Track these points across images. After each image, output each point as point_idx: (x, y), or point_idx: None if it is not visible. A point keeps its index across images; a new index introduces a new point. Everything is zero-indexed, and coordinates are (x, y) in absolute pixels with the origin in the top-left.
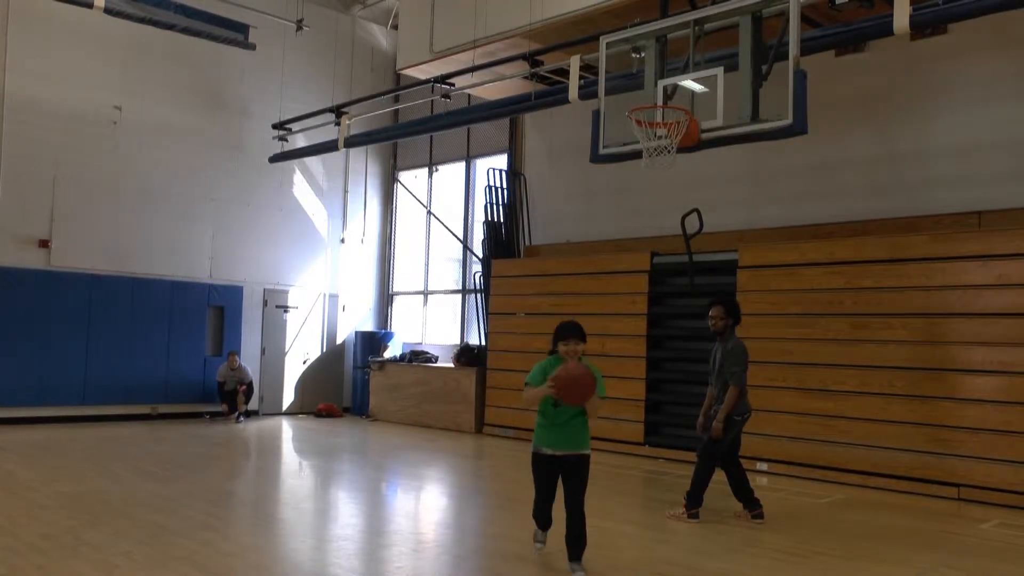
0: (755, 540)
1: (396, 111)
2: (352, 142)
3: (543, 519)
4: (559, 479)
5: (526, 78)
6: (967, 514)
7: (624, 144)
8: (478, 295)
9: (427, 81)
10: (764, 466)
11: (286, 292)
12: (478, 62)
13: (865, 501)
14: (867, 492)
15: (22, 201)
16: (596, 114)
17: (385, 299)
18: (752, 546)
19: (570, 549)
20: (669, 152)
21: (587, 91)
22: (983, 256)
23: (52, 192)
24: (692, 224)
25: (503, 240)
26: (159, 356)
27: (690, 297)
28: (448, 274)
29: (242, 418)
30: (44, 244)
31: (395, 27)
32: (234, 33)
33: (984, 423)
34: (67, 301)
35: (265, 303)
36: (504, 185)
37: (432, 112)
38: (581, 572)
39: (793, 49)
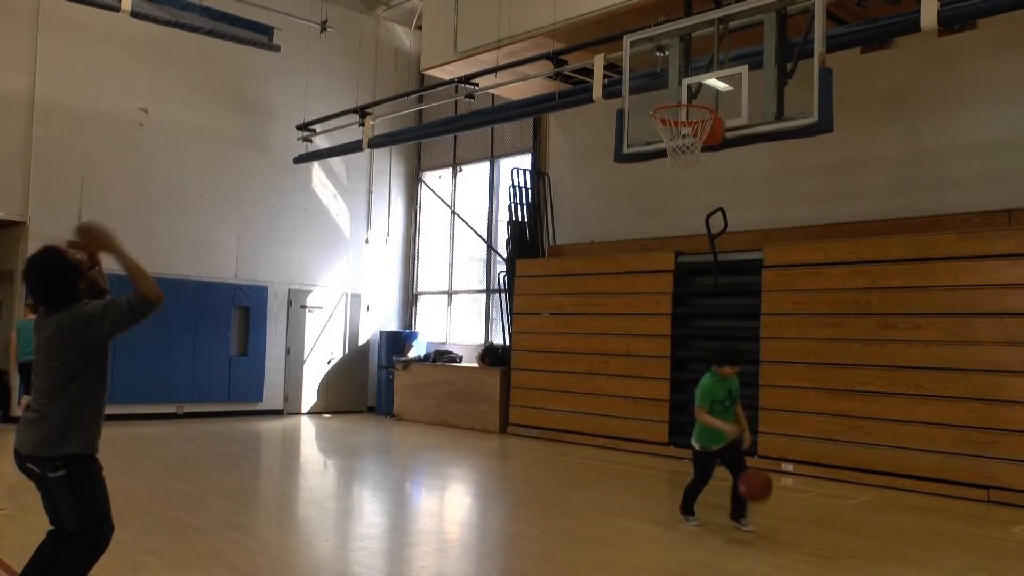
0: (780, 542)
1: (420, 111)
2: (376, 143)
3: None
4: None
5: (550, 78)
6: (997, 516)
7: (648, 143)
8: (502, 295)
9: (451, 81)
10: (789, 467)
11: (310, 292)
12: (502, 62)
13: (892, 503)
14: (894, 494)
15: (51, 202)
16: (620, 113)
17: (409, 299)
18: (777, 547)
19: None
20: (693, 151)
21: (611, 90)
22: (1013, 255)
23: (80, 193)
24: (717, 223)
25: (527, 240)
26: (185, 356)
27: (715, 297)
28: (472, 274)
29: None
30: (72, 245)
31: (419, 28)
32: (259, 35)
33: (1014, 424)
34: None
35: (290, 303)
36: (528, 185)
37: (456, 112)
38: None
39: (818, 46)
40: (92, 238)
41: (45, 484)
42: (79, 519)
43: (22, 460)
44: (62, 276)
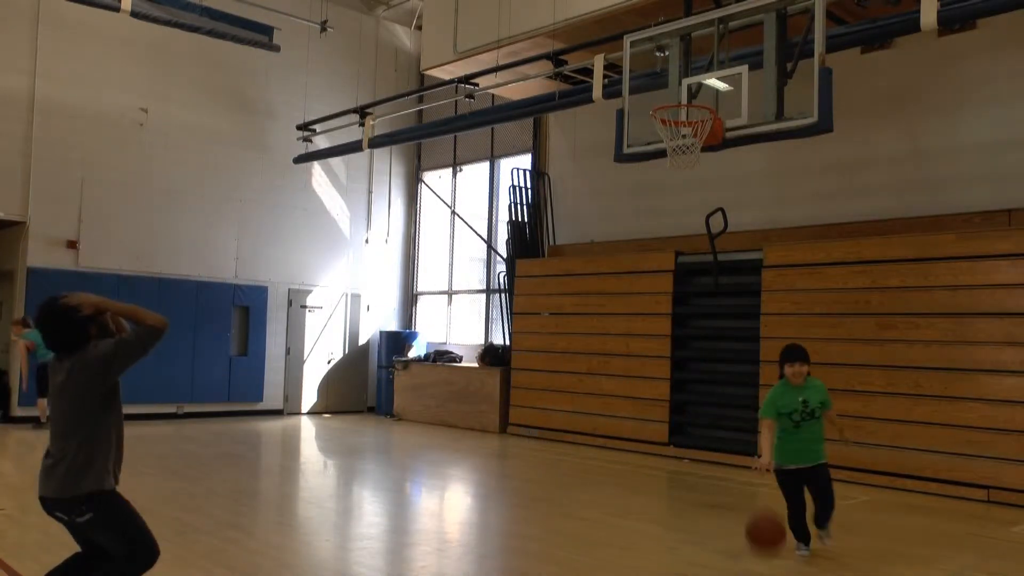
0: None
1: (420, 111)
2: (376, 143)
3: None
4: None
5: (550, 78)
6: (996, 516)
7: (648, 143)
8: (502, 295)
9: (451, 81)
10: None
11: (310, 292)
12: (502, 62)
13: (892, 503)
14: (894, 494)
15: (51, 203)
16: (620, 113)
17: (409, 299)
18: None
19: None
20: (693, 151)
21: (611, 90)
22: (1013, 255)
23: (80, 193)
24: (717, 223)
25: (527, 240)
26: (185, 356)
27: (715, 297)
28: (472, 274)
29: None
30: (72, 245)
31: (419, 28)
32: (259, 35)
33: (1014, 424)
34: None
35: (290, 303)
36: (528, 185)
37: (456, 112)
38: None
39: (818, 46)
40: (83, 306)
41: (74, 527)
42: (118, 548)
43: (49, 507)
44: (68, 324)
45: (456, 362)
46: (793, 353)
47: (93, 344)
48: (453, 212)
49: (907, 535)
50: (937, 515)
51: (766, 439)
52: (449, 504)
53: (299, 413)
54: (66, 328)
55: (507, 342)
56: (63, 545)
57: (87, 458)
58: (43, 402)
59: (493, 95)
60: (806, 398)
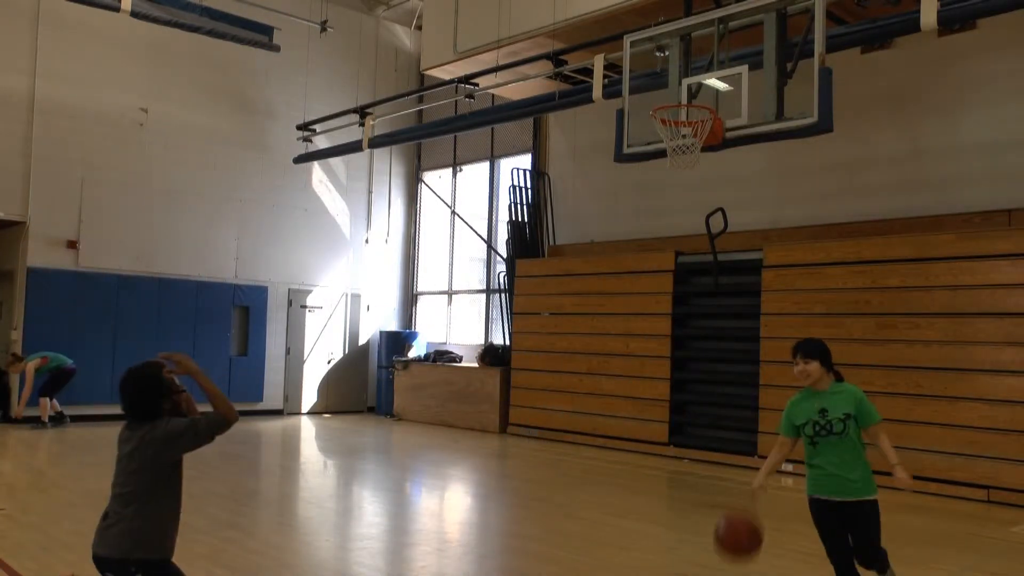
0: (779, 542)
1: (420, 111)
2: (376, 143)
3: None
4: None
5: (550, 78)
6: (996, 516)
7: (648, 143)
8: (502, 295)
9: (451, 81)
10: (789, 467)
11: (310, 292)
12: (502, 62)
13: (891, 503)
14: (894, 494)
15: (51, 203)
16: (620, 113)
17: (409, 299)
18: (776, 548)
19: None
20: (693, 151)
21: (611, 90)
22: (1013, 255)
23: (80, 194)
24: (717, 223)
25: (527, 240)
26: None
27: (715, 297)
28: (472, 274)
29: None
30: (72, 245)
31: (419, 28)
32: (259, 35)
33: (1014, 424)
34: (95, 301)
35: (290, 303)
36: (528, 185)
37: (456, 112)
38: None
39: (818, 46)
40: (179, 363)
41: None
42: None
43: (101, 566)
44: (155, 392)
45: (456, 362)
46: (794, 348)
47: (166, 420)
48: (453, 212)
49: (907, 535)
50: (937, 515)
51: (768, 461)
52: (449, 504)
53: (299, 413)
54: (144, 395)
55: (507, 342)
56: (63, 545)
57: (143, 525)
58: (45, 401)
59: (493, 95)
60: (826, 407)
